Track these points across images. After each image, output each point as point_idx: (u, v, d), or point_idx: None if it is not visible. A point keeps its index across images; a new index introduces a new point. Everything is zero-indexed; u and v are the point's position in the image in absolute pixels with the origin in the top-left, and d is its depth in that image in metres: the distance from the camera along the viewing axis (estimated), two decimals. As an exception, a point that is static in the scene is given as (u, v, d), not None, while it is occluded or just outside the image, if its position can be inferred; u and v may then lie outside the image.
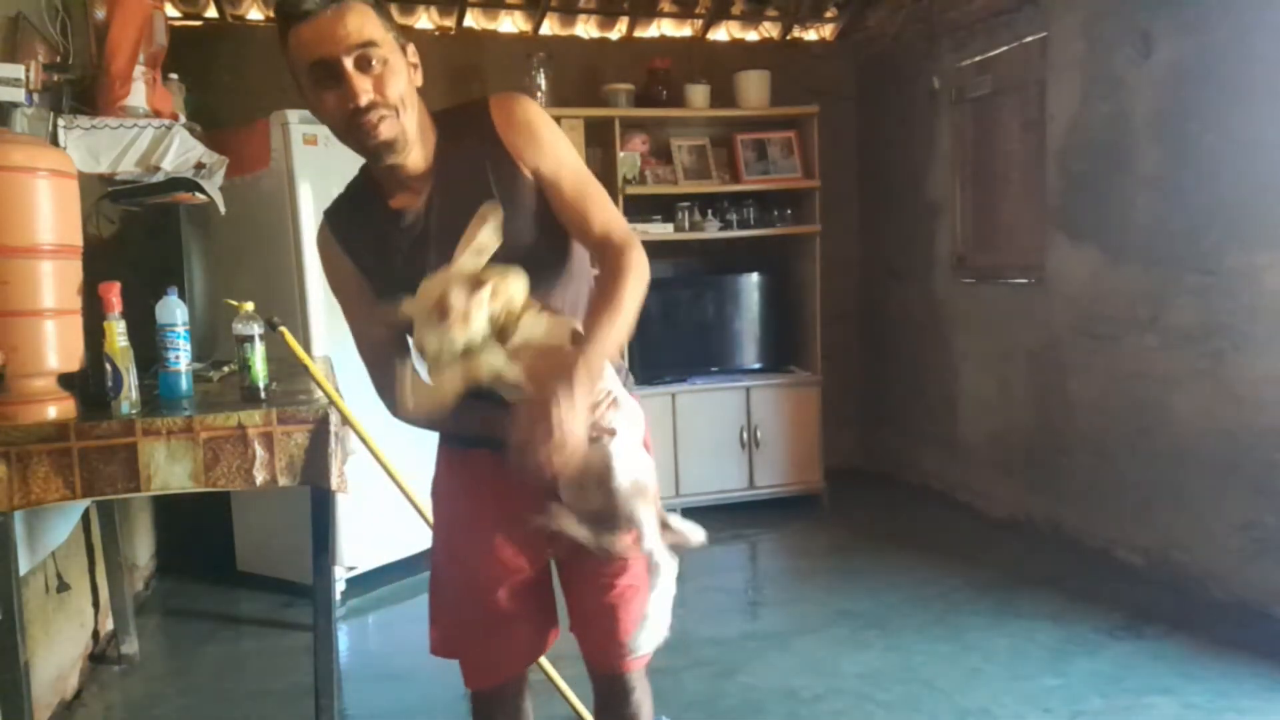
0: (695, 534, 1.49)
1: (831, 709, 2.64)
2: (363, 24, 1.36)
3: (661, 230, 4.51)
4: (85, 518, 2.99)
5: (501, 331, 1.33)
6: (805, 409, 4.69)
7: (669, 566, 1.43)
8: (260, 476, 2.05)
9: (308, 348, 3.29)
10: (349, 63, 1.35)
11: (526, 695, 1.70)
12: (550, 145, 1.48)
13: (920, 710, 2.61)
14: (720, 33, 5.05)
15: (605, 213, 1.49)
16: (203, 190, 2.79)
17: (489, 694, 1.65)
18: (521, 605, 1.58)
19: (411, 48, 1.45)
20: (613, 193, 4.41)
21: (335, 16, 1.35)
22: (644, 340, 4.55)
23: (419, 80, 1.45)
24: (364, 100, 1.36)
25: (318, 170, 3.53)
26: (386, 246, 1.48)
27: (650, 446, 1.56)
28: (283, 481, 2.08)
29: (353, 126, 1.39)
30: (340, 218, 1.55)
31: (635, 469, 1.42)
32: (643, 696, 1.63)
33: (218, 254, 3.84)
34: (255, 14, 4.42)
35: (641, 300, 1.47)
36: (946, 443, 4.70)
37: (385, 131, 1.39)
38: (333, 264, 1.55)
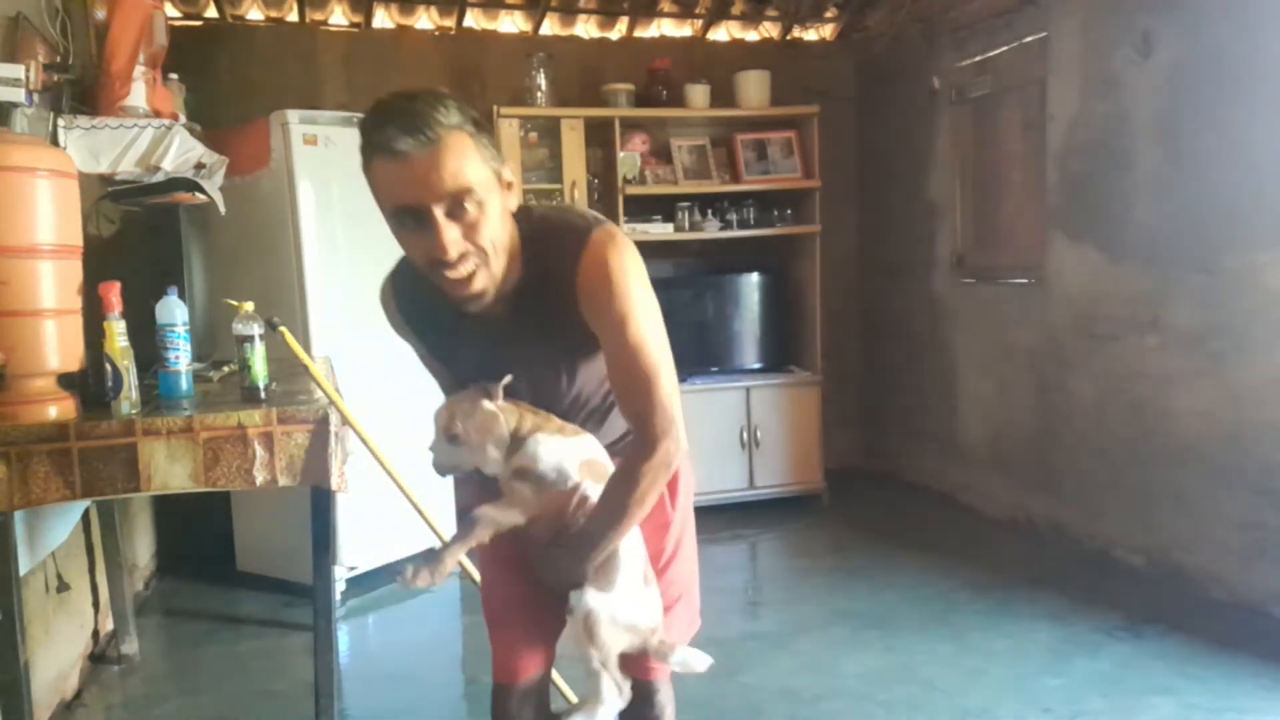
0: (700, 663, 1.58)
1: (831, 709, 2.64)
2: (460, 167, 1.22)
3: (661, 230, 4.51)
4: (85, 518, 2.99)
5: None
6: (805, 409, 4.69)
7: (612, 702, 1.50)
8: (260, 476, 2.05)
9: (308, 348, 3.29)
10: (439, 211, 1.23)
11: (546, 693, 1.70)
12: (619, 306, 1.36)
13: (920, 710, 2.61)
14: (720, 33, 5.05)
15: (651, 395, 1.40)
16: (203, 190, 2.79)
17: (509, 689, 1.64)
18: (546, 605, 1.58)
19: (508, 169, 1.33)
20: (613, 193, 4.42)
21: (430, 159, 1.20)
22: (644, 340, 4.55)
23: (515, 201, 1.35)
24: (454, 253, 1.25)
25: (318, 170, 3.53)
26: (452, 334, 1.46)
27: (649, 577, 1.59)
28: (283, 481, 2.07)
29: (437, 271, 1.28)
30: (404, 292, 1.48)
31: (622, 615, 1.48)
32: (665, 700, 1.64)
33: (218, 254, 3.84)
34: (255, 14, 4.42)
35: (657, 494, 1.47)
36: (946, 443, 4.70)
37: (475, 285, 1.29)
38: (395, 323, 1.55)
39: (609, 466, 1.47)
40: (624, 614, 1.48)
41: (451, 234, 1.24)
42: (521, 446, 1.39)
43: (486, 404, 1.38)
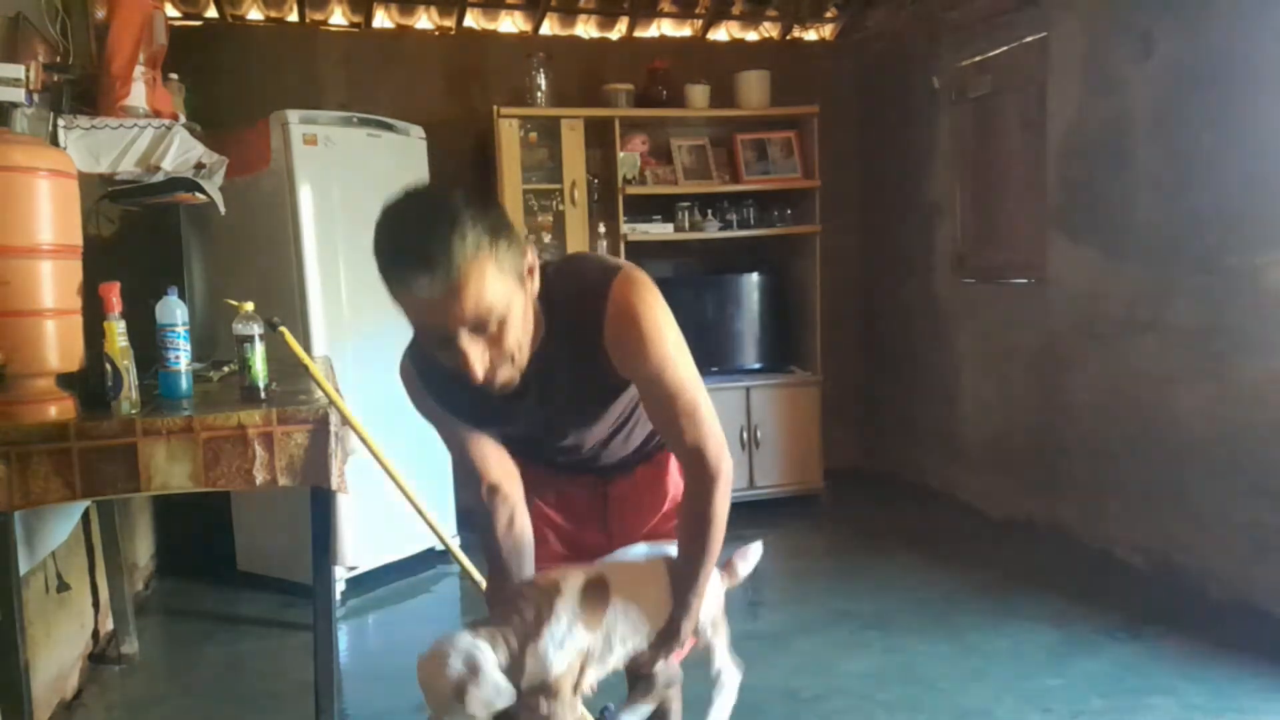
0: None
1: (831, 709, 2.64)
2: (480, 294, 1.20)
3: (661, 230, 4.51)
4: (85, 518, 2.99)
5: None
6: (805, 409, 4.69)
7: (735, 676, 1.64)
8: (260, 476, 2.05)
9: (308, 348, 3.29)
10: (464, 334, 1.23)
11: None
12: (654, 356, 1.39)
13: (920, 710, 2.61)
14: (720, 33, 5.05)
15: (699, 428, 1.43)
16: (203, 190, 2.79)
17: None
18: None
19: (531, 253, 1.32)
20: (613, 193, 4.42)
21: (451, 294, 1.18)
22: (644, 340, 4.55)
23: (535, 287, 1.34)
24: (480, 372, 1.26)
25: (318, 170, 3.53)
26: (476, 402, 1.44)
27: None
28: (283, 482, 2.07)
29: (463, 377, 1.30)
30: (424, 364, 1.46)
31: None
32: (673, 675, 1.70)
33: (218, 254, 3.84)
34: (255, 14, 4.42)
35: (727, 514, 1.51)
36: (946, 443, 4.70)
37: (499, 382, 1.32)
38: (417, 396, 1.53)
39: (609, 572, 1.51)
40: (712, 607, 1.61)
41: (476, 352, 1.25)
42: (525, 665, 1.38)
43: (487, 671, 1.35)
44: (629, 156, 4.49)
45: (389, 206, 1.24)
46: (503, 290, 1.24)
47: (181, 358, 2.15)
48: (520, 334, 1.29)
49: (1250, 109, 3.06)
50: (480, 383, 1.28)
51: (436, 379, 1.46)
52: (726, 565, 1.61)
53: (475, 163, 4.64)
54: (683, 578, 1.49)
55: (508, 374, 1.31)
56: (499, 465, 1.55)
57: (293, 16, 4.44)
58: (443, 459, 4.07)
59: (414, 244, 1.19)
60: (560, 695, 1.37)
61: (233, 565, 3.90)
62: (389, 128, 3.81)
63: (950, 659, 2.92)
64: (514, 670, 1.36)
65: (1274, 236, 3.01)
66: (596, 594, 1.44)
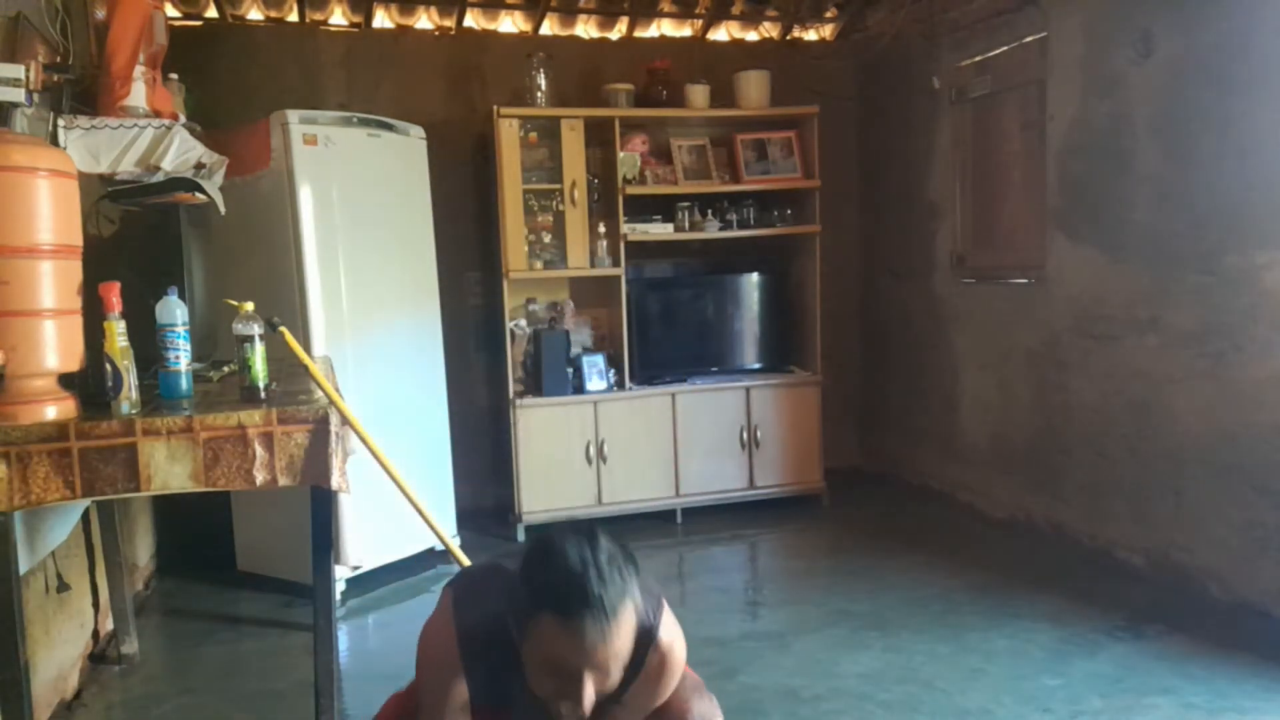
0: None
1: (831, 709, 2.64)
2: (624, 647, 1.36)
3: (661, 230, 4.51)
4: (85, 518, 2.99)
5: None
6: (805, 409, 4.69)
7: None
8: (260, 476, 2.05)
9: (308, 348, 3.29)
10: (589, 676, 1.35)
11: None
12: (664, 693, 1.56)
13: (920, 710, 2.61)
14: (720, 33, 5.05)
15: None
16: (203, 190, 2.79)
17: None
18: None
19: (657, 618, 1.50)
20: (613, 193, 4.42)
21: (605, 644, 1.33)
22: (644, 340, 4.56)
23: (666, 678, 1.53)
24: (588, 708, 1.36)
25: (318, 170, 3.53)
26: (511, 698, 1.48)
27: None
28: (283, 481, 2.07)
29: (554, 703, 1.39)
30: (477, 660, 1.50)
31: None
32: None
33: (218, 254, 3.84)
34: (255, 14, 4.42)
35: None
36: (946, 443, 4.70)
37: (587, 709, 1.39)
38: (439, 661, 1.52)
39: None
40: None
41: (590, 693, 1.36)
42: None
43: None
44: (629, 156, 4.49)
45: (565, 546, 1.37)
46: (629, 647, 1.39)
47: (181, 358, 2.15)
48: (616, 684, 1.41)
49: (1250, 109, 3.06)
50: (580, 710, 1.37)
51: (482, 670, 1.49)
52: None
53: (475, 163, 4.64)
54: None
55: (592, 706, 1.39)
56: None
57: (293, 16, 4.44)
58: (443, 459, 4.09)
59: (594, 592, 1.32)
60: None
61: (233, 565, 3.90)
62: (389, 128, 3.81)
63: (950, 659, 2.92)
64: None
65: (1274, 236, 3.01)
66: None
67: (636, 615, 1.39)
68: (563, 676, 1.36)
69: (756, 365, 4.77)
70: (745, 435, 4.61)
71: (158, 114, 2.81)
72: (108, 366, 2.01)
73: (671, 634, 1.55)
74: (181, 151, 2.74)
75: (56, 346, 1.96)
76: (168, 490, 2.01)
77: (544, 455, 4.31)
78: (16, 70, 2.14)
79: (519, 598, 1.40)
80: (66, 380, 2.04)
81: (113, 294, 2.02)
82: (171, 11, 4.14)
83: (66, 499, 1.97)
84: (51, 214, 1.94)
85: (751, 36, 5.09)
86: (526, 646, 1.39)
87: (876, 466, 5.31)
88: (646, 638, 1.48)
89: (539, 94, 4.35)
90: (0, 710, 1.97)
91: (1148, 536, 3.54)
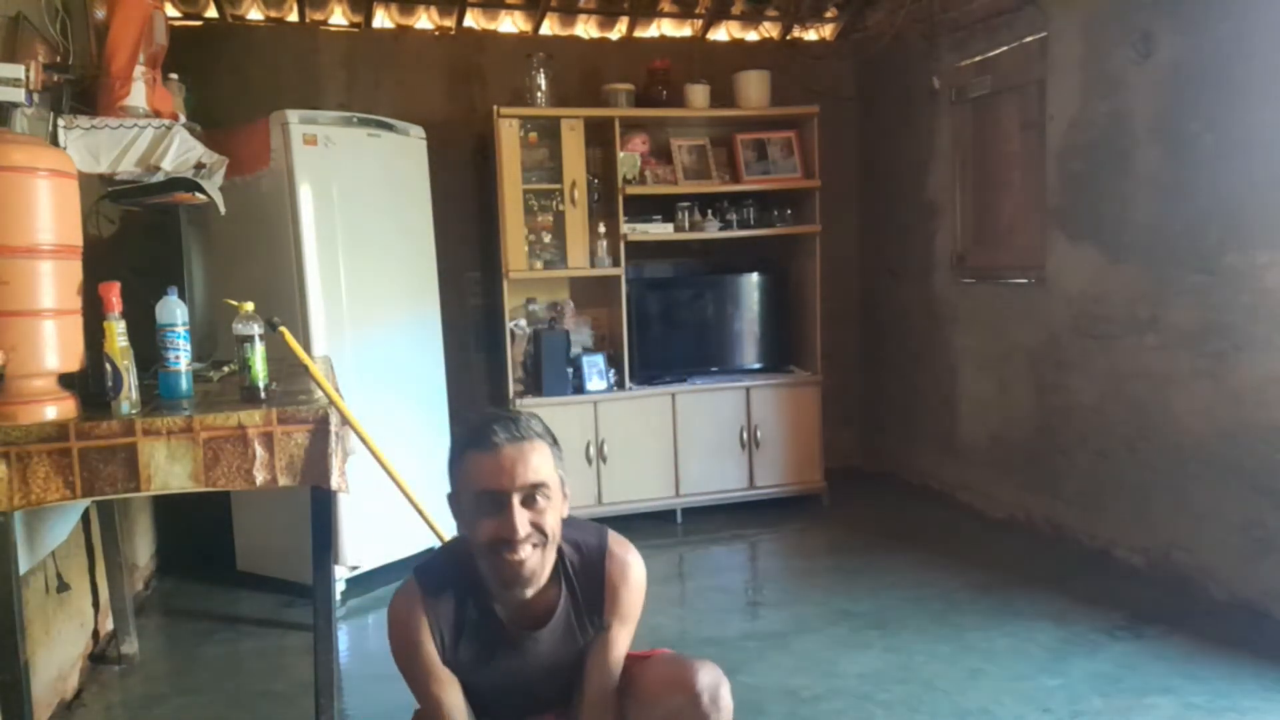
0: None
1: (831, 709, 2.64)
2: (540, 465, 1.49)
3: (661, 230, 4.51)
4: (85, 518, 2.99)
5: None
6: (805, 409, 4.69)
7: None
8: (260, 476, 2.05)
9: (308, 348, 3.29)
10: (517, 499, 1.47)
11: None
12: (629, 616, 1.67)
13: (920, 710, 2.61)
14: (720, 33, 5.05)
15: (612, 677, 1.66)
16: (203, 190, 2.79)
17: None
18: None
19: (569, 486, 1.59)
20: (613, 193, 4.42)
21: (518, 454, 1.47)
22: (644, 340, 4.56)
23: (566, 511, 1.59)
24: (522, 532, 1.47)
25: (318, 170, 3.53)
26: (483, 653, 1.55)
27: None
28: (283, 481, 2.07)
29: (496, 552, 1.49)
30: (441, 604, 1.58)
31: None
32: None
33: (218, 254, 3.83)
34: (255, 14, 4.42)
35: None
36: (946, 442, 4.70)
37: (530, 563, 1.50)
38: (408, 638, 1.58)
39: None
40: None
41: (523, 518, 1.47)
42: None
43: None
44: (629, 156, 4.49)
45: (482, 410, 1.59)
46: (552, 475, 1.52)
47: (181, 358, 2.15)
48: (555, 524, 1.52)
49: (1250, 109, 3.06)
50: (515, 548, 1.47)
51: (448, 623, 1.57)
52: None
53: (475, 163, 4.64)
54: None
55: (535, 561, 1.50)
56: None
57: (293, 16, 4.44)
58: (442, 458, 4.09)
59: (499, 414, 1.53)
60: None
61: (233, 565, 3.90)
62: (389, 128, 3.81)
63: (950, 659, 2.92)
64: None
65: (1274, 236, 3.01)
66: None
67: (551, 450, 1.52)
68: (493, 510, 1.47)
69: (756, 365, 4.77)
70: (745, 435, 4.61)
71: (158, 114, 2.81)
72: (108, 366, 2.01)
73: (624, 545, 1.68)
74: (181, 151, 2.74)
75: (56, 346, 1.96)
76: (168, 490, 2.01)
77: (544, 455, 4.30)
78: (16, 70, 2.14)
79: (450, 474, 1.55)
80: (66, 380, 2.04)
81: (113, 294, 2.02)
82: (171, 11, 4.14)
83: (66, 499, 1.97)
84: (51, 214, 1.94)
85: (751, 36, 5.09)
86: (459, 499, 1.53)
87: (876, 466, 5.31)
88: (599, 548, 1.64)
89: (539, 94, 4.35)
90: (0, 710, 1.97)
91: (1148, 536, 3.54)
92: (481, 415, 1.54)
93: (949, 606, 3.34)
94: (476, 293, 4.71)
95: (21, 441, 1.91)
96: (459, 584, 1.58)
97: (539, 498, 1.49)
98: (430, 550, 3.90)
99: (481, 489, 1.48)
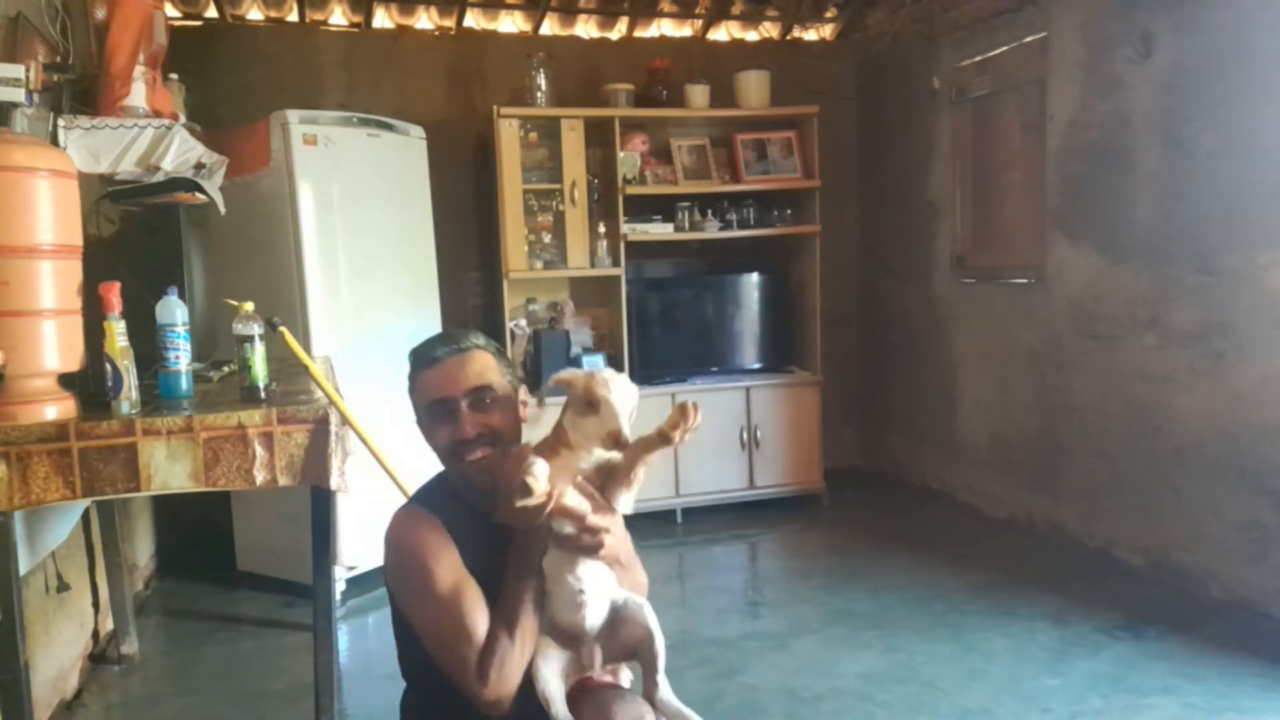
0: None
1: (831, 709, 2.64)
2: (482, 370, 1.59)
3: (661, 230, 4.51)
4: (85, 518, 2.99)
5: None
6: (805, 409, 4.69)
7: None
8: (260, 476, 2.05)
9: (308, 348, 3.29)
10: (464, 403, 1.56)
11: None
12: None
13: (920, 710, 2.61)
14: (720, 33, 5.05)
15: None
16: (203, 190, 2.79)
17: None
18: None
19: (524, 390, 1.67)
20: (613, 193, 4.42)
21: (458, 364, 1.58)
22: (644, 340, 4.56)
23: (527, 415, 1.67)
24: (472, 433, 1.55)
25: (318, 170, 3.53)
26: (484, 553, 1.55)
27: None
28: (283, 481, 2.07)
29: (458, 456, 1.57)
30: (440, 515, 1.58)
31: None
32: None
33: (218, 254, 3.84)
34: (255, 14, 4.42)
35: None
36: (946, 443, 4.70)
37: (488, 461, 1.55)
38: (431, 542, 1.54)
39: None
40: None
41: (472, 419, 1.56)
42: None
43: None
44: (629, 156, 4.49)
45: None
46: (498, 380, 1.60)
47: (181, 358, 2.15)
48: (509, 424, 1.59)
49: (1250, 109, 3.06)
50: (470, 447, 1.55)
51: (454, 530, 1.57)
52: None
53: (475, 163, 4.64)
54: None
55: (485, 450, 1.56)
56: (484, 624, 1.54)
57: (293, 16, 4.44)
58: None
59: (444, 334, 1.67)
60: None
61: (233, 565, 3.90)
62: (389, 128, 3.81)
63: (950, 659, 2.92)
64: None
65: (1274, 236, 3.01)
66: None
67: (495, 358, 1.62)
68: (446, 419, 1.56)
69: (756, 365, 4.77)
70: (745, 435, 4.60)
71: (158, 114, 2.81)
72: (108, 366, 2.01)
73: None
74: (181, 151, 2.73)
75: (56, 346, 1.96)
76: (168, 490, 2.01)
77: (544, 455, 4.30)
78: (16, 70, 2.13)
79: (410, 394, 1.63)
80: (66, 380, 2.04)
81: (113, 294, 2.02)
82: (171, 11, 4.14)
83: (66, 499, 1.97)
84: (51, 214, 1.94)
85: (751, 36, 5.09)
86: (422, 420, 1.61)
87: (876, 466, 5.31)
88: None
89: (539, 94, 4.35)
90: (0, 710, 1.97)
91: (1148, 536, 3.54)
92: (427, 339, 1.64)
93: (949, 607, 3.34)
94: (476, 293, 4.71)
95: (21, 441, 1.91)
96: (448, 500, 1.62)
97: (486, 399, 1.57)
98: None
99: (431, 400, 1.57)
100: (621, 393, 1.49)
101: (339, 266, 3.62)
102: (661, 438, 1.48)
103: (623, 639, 1.57)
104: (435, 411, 1.57)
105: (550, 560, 1.51)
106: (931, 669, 2.86)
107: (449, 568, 1.52)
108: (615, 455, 1.50)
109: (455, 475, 1.60)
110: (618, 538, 1.53)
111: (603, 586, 1.54)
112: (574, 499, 1.47)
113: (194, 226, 3.86)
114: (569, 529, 1.47)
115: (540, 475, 1.39)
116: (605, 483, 1.53)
